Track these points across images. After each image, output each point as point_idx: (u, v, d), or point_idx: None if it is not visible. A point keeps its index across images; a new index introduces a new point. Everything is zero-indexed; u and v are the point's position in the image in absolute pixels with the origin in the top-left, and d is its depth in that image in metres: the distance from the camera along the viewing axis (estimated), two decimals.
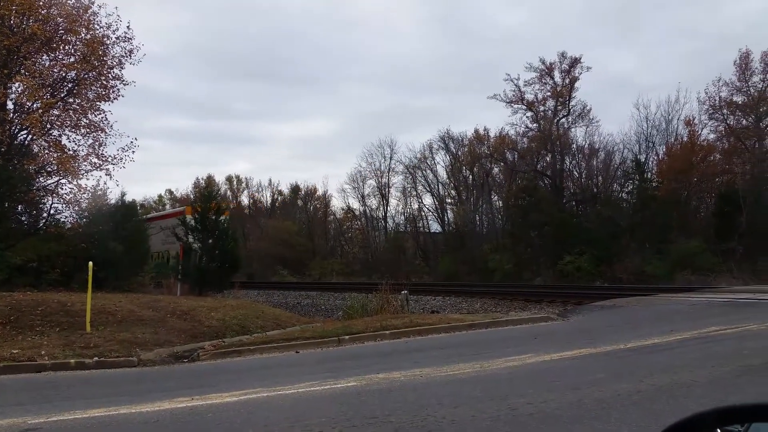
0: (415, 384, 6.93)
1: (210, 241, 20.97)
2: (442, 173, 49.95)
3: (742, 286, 19.60)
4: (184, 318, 14.19)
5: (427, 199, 50.40)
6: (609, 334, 10.31)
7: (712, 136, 41.60)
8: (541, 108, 44.06)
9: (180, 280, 21.42)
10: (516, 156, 45.69)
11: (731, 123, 40.73)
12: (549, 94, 43.53)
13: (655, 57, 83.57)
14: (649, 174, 40.05)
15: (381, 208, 52.89)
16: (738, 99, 39.93)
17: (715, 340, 8.60)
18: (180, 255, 22.84)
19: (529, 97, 43.81)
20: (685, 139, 42.34)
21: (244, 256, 38.43)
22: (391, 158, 51.93)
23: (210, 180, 63.81)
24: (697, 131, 42.44)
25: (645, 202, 35.59)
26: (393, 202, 52.42)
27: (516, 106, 43.84)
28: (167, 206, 63.69)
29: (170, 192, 69.71)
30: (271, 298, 25.16)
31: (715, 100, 39.83)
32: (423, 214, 50.52)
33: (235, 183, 66.99)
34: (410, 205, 51.30)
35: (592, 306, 15.48)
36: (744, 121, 40.65)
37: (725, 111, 40.56)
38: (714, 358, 7.33)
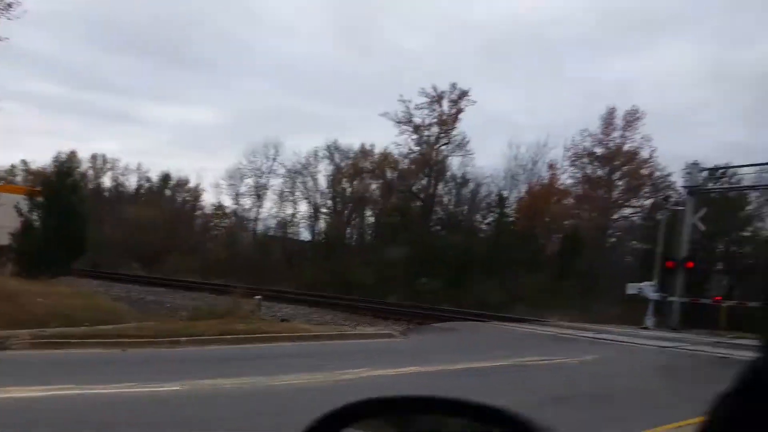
0: (243, 392, 6.86)
1: (54, 220, 19.28)
2: (322, 182, 49.94)
3: (569, 323, 21.54)
4: (5, 301, 12.91)
5: (303, 206, 50.13)
6: (440, 354, 10.90)
7: (569, 181, 45.37)
8: (426, 133, 45.68)
9: (11, 259, 19.45)
10: (396, 175, 46.96)
11: (588, 172, 44.83)
12: (435, 120, 45.26)
13: (537, 100, 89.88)
14: (509, 209, 42.74)
15: (254, 209, 51.74)
16: (598, 150, 44.05)
17: (532, 369, 9.35)
18: (20, 231, 20.78)
19: (417, 120, 45.22)
20: (546, 181, 45.55)
21: (96, 241, 35.66)
22: (274, 159, 50.94)
23: (72, 155, 58.62)
24: (558, 175, 46.08)
25: (500, 235, 37.96)
26: (268, 204, 51.49)
27: (404, 127, 45.08)
28: (18, 178, 57.65)
29: (25, 163, 63.21)
30: (112, 290, 23.60)
31: (579, 149, 43.62)
32: (296, 220, 50.12)
33: (99, 162, 62.18)
34: (284, 210, 50.72)
35: (434, 327, 16.31)
36: (599, 172, 44.86)
37: (585, 160, 44.60)
38: (526, 385, 7.95)
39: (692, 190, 24.44)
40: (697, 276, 25.30)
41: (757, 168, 23.15)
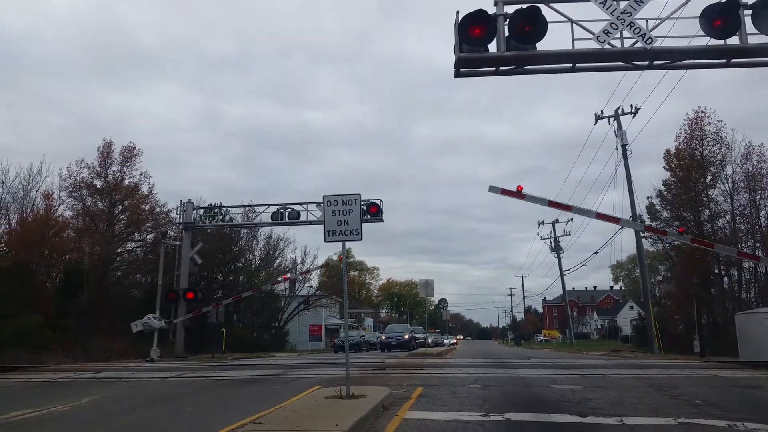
0: None
1: None
2: None
3: (70, 364, 19.95)
4: None
5: None
6: None
7: (68, 212, 42.32)
8: None
9: None
10: None
11: (89, 204, 42.75)
12: None
13: (25, 124, 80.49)
14: None
15: None
16: (98, 183, 42.57)
17: (20, 426, 8.17)
18: None
19: None
20: (41, 211, 41.36)
21: None
22: None
23: None
24: (55, 206, 42.40)
25: None
26: None
27: None
28: None
29: None
30: None
31: (77, 179, 41.13)
32: None
33: None
34: None
35: None
36: (100, 205, 43.28)
37: (84, 192, 42.42)
38: None
39: (187, 226, 26.25)
40: (200, 305, 27.32)
41: (244, 209, 26.88)
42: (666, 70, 11.67)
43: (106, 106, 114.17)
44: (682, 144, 41.75)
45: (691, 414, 8.15)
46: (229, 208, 26.11)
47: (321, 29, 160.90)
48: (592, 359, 23.30)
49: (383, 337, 35.30)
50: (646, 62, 10.39)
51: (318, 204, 24.41)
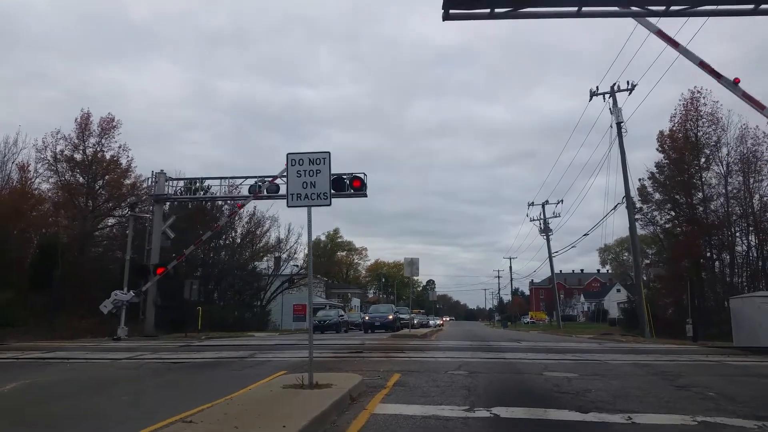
0: None
1: None
2: None
3: (27, 343, 18.59)
4: None
5: None
6: None
7: (45, 186, 40.68)
8: None
9: None
10: None
11: (66, 177, 41.04)
12: None
13: (16, 98, 78.18)
14: None
15: None
16: (77, 156, 40.83)
17: None
18: None
19: None
20: (17, 184, 39.76)
21: None
22: None
23: None
24: (31, 178, 40.76)
25: None
26: None
27: None
28: None
29: None
30: None
31: (54, 152, 39.40)
32: None
33: None
34: None
35: None
36: (80, 178, 41.56)
37: (63, 165, 40.68)
38: None
39: (159, 198, 24.60)
40: (175, 282, 25.88)
41: (222, 182, 25.17)
42: (685, 18, 10.25)
43: (98, 80, 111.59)
44: (676, 125, 40.56)
45: (709, 410, 6.90)
46: (205, 180, 24.35)
47: (319, 5, 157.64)
48: (582, 342, 22.17)
49: (366, 318, 34.04)
50: (663, 7, 8.95)
51: None
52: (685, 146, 40.62)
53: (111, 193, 41.61)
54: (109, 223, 42.94)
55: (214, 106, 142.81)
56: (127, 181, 41.15)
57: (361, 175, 22.53)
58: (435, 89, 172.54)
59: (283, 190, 22.98)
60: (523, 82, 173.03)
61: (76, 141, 40.59)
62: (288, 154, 8.49)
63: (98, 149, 41.14)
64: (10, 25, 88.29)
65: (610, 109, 31.08)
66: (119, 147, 41.28)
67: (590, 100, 32.16)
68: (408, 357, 13.42)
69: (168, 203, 26.99)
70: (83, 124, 40.97)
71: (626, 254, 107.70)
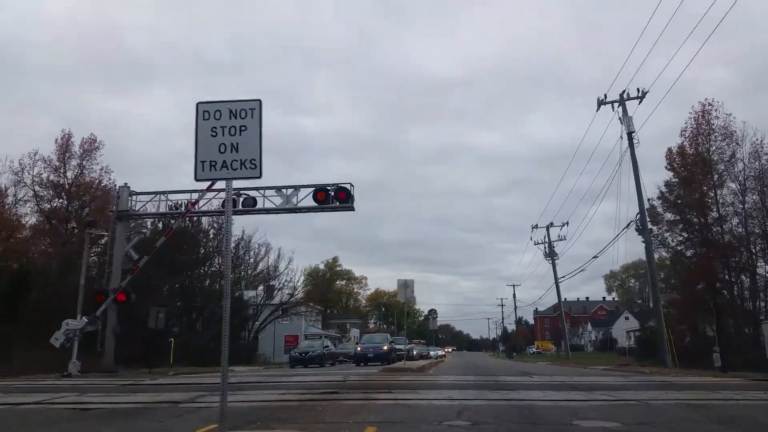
0: None
1: None
2: None
3: None
4: None
5: None
6: None
7: (24, 209, 38.25)
8: None
9: None
10: None
11: (46, 202, 38.63)
12: None
13: (14, 127, 76.47)
14: None
15: None
16: (55, 178, 38.43)
17: None
18: None
19: None
20: None
21: None
22: None
23: None
24: (9, 204, 38.22)
25: None
26: None
27: None
28: None
29: None
30: None
31: (32, 175, 37.05)
32: None
33: None
34: None
35: None
36: (61, 202, 39.11)
37: (43, 188, 38.29)
38: None
39: (121, 214, 21.62)
40: (138, 309, 22.89)
41: (196, 195, 22.11)
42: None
43: (98, 110, 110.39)
44: (687, 140, 37.94)
45: None
46: (169, 195, 21.15)
47: (318, 34, 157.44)
48: (604, 376, 19.00)
49: (358, 348, 30.69)
50: None
51: (278, 189, 20.15)
52: (696, 162, 37.98)
53: (97, 218, 38.96)
54: (98, 250, 40.24)
55: None
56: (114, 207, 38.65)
57: (347, 186, 19.67)
58: (431, 116, 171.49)
59: (260, 204, 20.23)
60: (519, 109, 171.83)
61: (57, 163, 38.23)
62: (198, 104, 5.69)
63: (79, 171, 38.80)
64: (12, 55, 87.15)
65: (619, 118, 28.43)
66: (101, 169, 38.89)
67: (597, 109, 29.57)
68: (395, 399, 10.38)
69: (132, 221, 24.20)
70: (64, 146, 38.61)
71: (632, 281, 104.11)
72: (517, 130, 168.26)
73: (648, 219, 42.68)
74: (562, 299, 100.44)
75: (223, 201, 20.61)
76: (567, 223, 47.28)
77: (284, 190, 20.05)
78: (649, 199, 41.10)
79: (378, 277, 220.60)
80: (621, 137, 29.04)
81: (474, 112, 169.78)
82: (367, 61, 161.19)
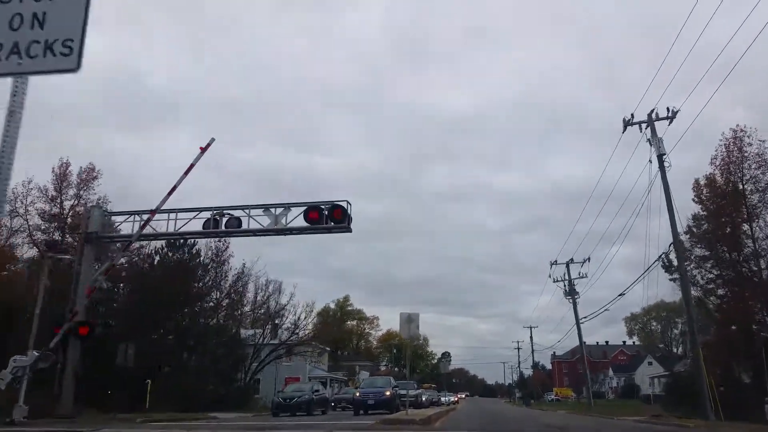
0: None
1: None
2: None
3: None
4: None
5: None
6: None
7: (17, 240, 36.12)
8: None
9: None
10: None
11: (41, 232, 36.59)
12: None
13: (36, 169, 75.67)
14: None
15: None
16: (51, 208, 36.46)
17: None
18: None
19: None
20: None
21: None
22: None
23: None
24: (3, 235, 36.16)
25: None
26: None
27: None
28: None
29: None
30: None
31: (25, 203, 35.02)
32: None
33: None
34: None
35: None
36: (56, 235, 37.04)
37: (39, 220, 36.29)
38: None
39: (89, 236, 18.94)
40: (113, 346, 20.11)
41: (175, 215, 19.56)
42: None
43: (113, 148, 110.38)
44: (718, 168, 35.05)
45: None
46: (143, 215, 18.49)
47: (332, 74, 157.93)
48: None
49: (357, 394, 27.13)
50: None
51: (266, 208, 17.53)
52: (726, 193, 34.97)
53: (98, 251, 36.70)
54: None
55: (226, 173, 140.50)
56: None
57: (343, 204, 17.01)
58: (448, 155, 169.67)
59: (245, 224, 17.59)
60: (537, 148, 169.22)
61: (54, 193, 36.23)
62: None
63: (76, 202, 36.78)
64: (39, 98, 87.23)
65: (648, 140, 25.71)
66: (98, 199, 36.80)
67: (624, 130, 26.89)
68: None
69: (109, 244, 21.66)
70: (61, 175, 36.70)
71: (654, 323, 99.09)
72: (535, 170, 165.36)
73: (674, 256, 39.48)
74: (583, 343, 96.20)
75: (205, 221, 17.90)
76: (589, 258, 43.93)
77: (273, 210, 17.52)
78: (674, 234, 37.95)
79: (390, 318, 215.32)
80: (650, 161, 26.27)
81: (491, 151, 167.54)
82: (382, 100, 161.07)
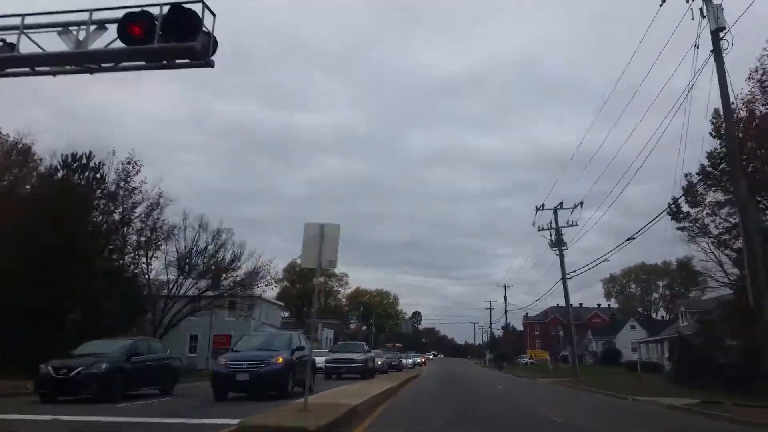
0: None
1: None
2: None
3: None
4: None
5: None
6: None
7: None
8: None
9: None
10: None
11: None
12: None
13: None
14: None
15: None
16: None
17: None
18: None
19: None
20: None
21: None
22: None
23: None
24: None
25: None
26: None
27: None
28: None
29: None
30: None
31: None
32: None
33: None
34: None
35: None
36: None
37: None
38: None
39: None
40: None
41: None
42: None
43: (89, 100, 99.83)
44: (756, 81, 26.87)
45: None
46: None
47: (317, 32, 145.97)
48: None
49: (223, 362, 14.58)
50: None
51: (64, 27, 8.73)
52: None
53: None
54: None
55: (208, 128, 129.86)
56: None
57: (195, 6, 8.29)
58: (433, 118, 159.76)
59: (23, 49, 8.76)
60: (525, 114, 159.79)
61: None
62: None
63: None
64: None
65: (701, 9, 17.33)
66: None
67: (662, 2, 18.42)
68: None
69: None
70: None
71: (633, 286, 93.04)
72: (521, 134, 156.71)
73: (685, 202, 31.84)
74: (555, 304, 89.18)
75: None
76: (582, 203, 35.95)
77: (74, 30, 8.89)
78: (686, 175, 29.82)
79: (371, 278, 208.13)
80: (696, 45, 17.96)
81: (479, 115, 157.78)
82: (369, 61, 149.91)
